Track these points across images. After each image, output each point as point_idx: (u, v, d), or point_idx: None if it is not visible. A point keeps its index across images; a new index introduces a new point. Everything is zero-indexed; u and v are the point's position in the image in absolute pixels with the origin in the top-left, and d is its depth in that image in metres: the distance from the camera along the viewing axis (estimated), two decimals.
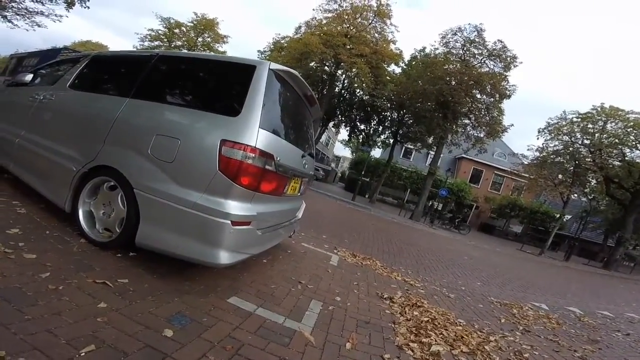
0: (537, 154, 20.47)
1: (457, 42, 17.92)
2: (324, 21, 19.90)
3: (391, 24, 19.89)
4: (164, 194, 1.87)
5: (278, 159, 2.06)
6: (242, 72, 2.12)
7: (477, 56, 17.50)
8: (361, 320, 2.21)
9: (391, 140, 23.45)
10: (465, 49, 17.70)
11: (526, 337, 2.70)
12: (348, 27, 19.32)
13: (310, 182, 3.36)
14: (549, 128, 19.78)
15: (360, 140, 25.10)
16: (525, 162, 21.64)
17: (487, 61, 17.44)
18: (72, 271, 1.66)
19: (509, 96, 17.15)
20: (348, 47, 18.13)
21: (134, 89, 2.38)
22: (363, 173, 23.79)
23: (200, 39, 27.60)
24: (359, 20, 19.68)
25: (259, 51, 23.77)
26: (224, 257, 1.80)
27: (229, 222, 1.79)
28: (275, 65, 2.19)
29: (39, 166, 2.58)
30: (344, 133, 29.08)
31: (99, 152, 2.17)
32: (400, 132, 21.75)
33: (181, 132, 1.98)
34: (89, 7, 14.16)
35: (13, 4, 16.08)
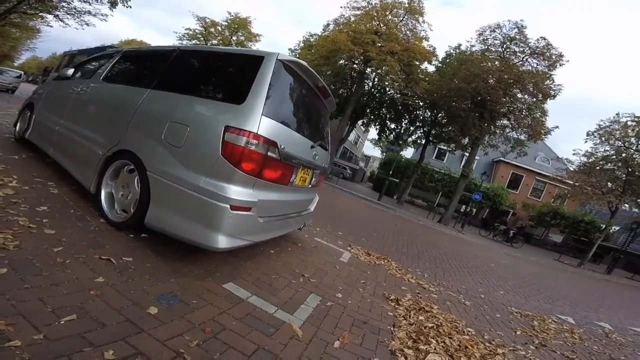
0: (585, 159, 18.79)
1: (495, 39, 16.91)
2: (352, 19, 19.61)
3: (424, 21, 19.11)
4: (172, 176, 1.97)
5: (282, 147, 2.08)
6: (251, 62, 2.19)
7: (518, 54, 16.36)
8: (358, 320, 2.14)
9: (423, 141, 22.69)
10: (505, 46, 16.63)
11: (539, 352, 2.48)
12: (378, 25, 18.86)
13: (325, 175, 3.33)
14: (599, 131, 18.03)
15: (391, 140, 24.50)
16: (571, 168, 19.96)
17: (529, 59, 16.25)
18: (84, 247, 1.79)
19: (554, 96, 15.84)
20: (378, 44, 17.70)
21: (155, 81, 2.57)
22: (391, 173, 23.21)
23: (234, 38, 28.45)
24: (389, 17, 19.15)
25: (289, 49, 24.02)
26: (222, 242, 1.85)
27: (228, 206, 1.83)
28: (284, 56, 2.21)
29: (72, 150, 2.87)
30: (373, 132, 28.55)
31: (122, 137, 2.35)
32: (433, 132, 20.96)
33: (191, 119, 2.09)
34: (130, 7, 15.25)
35: (63, 4, 17.64)
